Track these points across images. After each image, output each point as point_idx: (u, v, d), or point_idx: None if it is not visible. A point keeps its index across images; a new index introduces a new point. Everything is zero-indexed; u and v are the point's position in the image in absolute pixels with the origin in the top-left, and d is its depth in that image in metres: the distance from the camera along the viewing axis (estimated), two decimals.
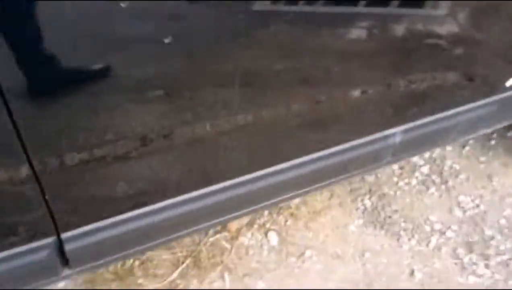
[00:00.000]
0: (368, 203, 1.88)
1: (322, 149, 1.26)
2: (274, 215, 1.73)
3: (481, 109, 1.45)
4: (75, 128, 0.91)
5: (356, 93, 1.26)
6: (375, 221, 1.80)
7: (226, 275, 1.54)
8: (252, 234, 1.68)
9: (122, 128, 0.96)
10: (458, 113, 1.41)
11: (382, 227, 1.78)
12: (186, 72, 0.96)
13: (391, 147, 1.34)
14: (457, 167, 2.07)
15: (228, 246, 1.62)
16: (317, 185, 1.37)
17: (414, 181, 1.99)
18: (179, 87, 0.97)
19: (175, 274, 1.51)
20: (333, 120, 1.27)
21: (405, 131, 1.34)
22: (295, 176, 1.25)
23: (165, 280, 1.49)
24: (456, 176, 2.02)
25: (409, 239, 1.76)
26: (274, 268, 1.59)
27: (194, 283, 1.51)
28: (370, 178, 1.97)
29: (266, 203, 1.32)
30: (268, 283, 1.54)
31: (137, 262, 1.53)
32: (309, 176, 1.28)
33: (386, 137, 1.32)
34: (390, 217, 1.83)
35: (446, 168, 2.06)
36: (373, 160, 1.38)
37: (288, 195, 1.34)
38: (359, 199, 1.88)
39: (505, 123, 1.67)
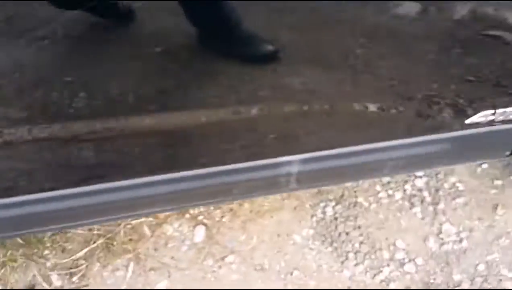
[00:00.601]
0: (330, 211, 1.77)
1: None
2: (211, 207, 1.70)
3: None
4: None
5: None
6: (327, 235, 1.72)
7: (131, 265, 1.59)
8: (180, 224, 1.68)
9: None
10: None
11: (331, 244, 1.70)
12: None
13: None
14: (461, 187, 1.86)
15: (148, 233, 1.65)
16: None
17: (399, 195, 1.83)
18: None
19: (81, 253, 1.59)
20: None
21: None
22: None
23: (70, 256, 1.58)
24: (453, 199, 1.83)
25: (356, 265, 1.68)
26: (185, 267, 1.60)
27: (96, 267, 1.58)
28: None
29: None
30: (172, 284, 1.58)
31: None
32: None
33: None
34: (347, 233, 1.73)
35: (446, 186, 1.86)
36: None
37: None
38: (322, 205, 1.79)
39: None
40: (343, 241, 1.72)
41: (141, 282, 1.57)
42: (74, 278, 1.55)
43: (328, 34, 1.03)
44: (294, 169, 1.18)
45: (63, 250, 1.60)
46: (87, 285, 1.53)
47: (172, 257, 1.62)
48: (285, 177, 1.19)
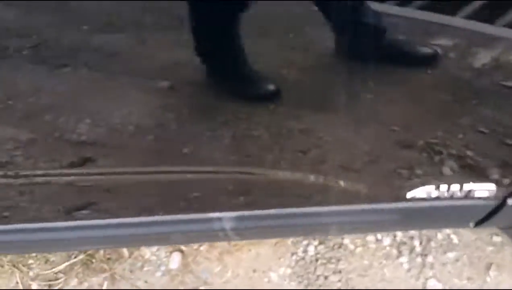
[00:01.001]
0: (311, 251, 1.79)
1: None
2: None
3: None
4: None
5: None
6: (305, 276, 1.74)
7: (106, 284, 1.69)
8: (158, 249, 1.76)
9: None
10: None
11: (307, 286, 1.72)
12: None
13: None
14: (455, 240, 1.81)
15: (127, 254, 1.74)
16: None
17: (388, 241, 1.81)
18: None
19: (61, 266, 1.71)
20: None
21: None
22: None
23: (52, 268, 1.70)
24: (445, 252, 1.79)
25: None
26: None
27: (74, 282, 1.70)
28: None
29: None
30: None
31: None
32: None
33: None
34: (326, 277, 1.75)
35: (440, 236, 1.82)
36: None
37: None
38: (304, 243, 1.80)
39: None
40: (320, 285, 1.74)
41: None
42: None
43: (339, 76, 1.03)
44: (227, 225, 1.21)
45: (46, 261, 1.73)
46: None
47: (145, 281, 1.71)
48: (221, 231, 1.23)
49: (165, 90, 0.98)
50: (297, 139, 1.09)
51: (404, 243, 1.81)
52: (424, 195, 1.19)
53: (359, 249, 1.81)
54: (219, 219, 1.21)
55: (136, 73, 0.96)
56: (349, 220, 1.27)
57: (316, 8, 0.91)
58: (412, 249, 1.80)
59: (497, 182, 1.18)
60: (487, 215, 1.30)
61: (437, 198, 1.20)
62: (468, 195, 1.20)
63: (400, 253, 1.80)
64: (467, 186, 1.18)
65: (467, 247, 1.80)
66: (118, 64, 0.95)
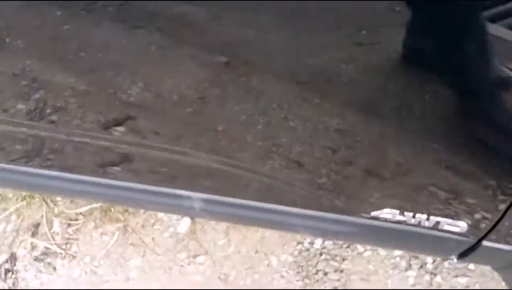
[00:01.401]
0: (318, 245, 1.78)
1: None
2: None
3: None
4: None
5: None
6: (305, 268, 1.76)
7: (117, 234, 1.82)
8: None
9: None
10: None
11: (304, 279, 1.74)
12: None
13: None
14: (472, 266, 1.72)
15: (143, 210, 1.84)
16: None
17: (399, 251, 1.76)
18: None
19: (83, 209, 1.86)
20: None
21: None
22: None
23: (74, 209, 1.86)
24: (456, 276, 1.71)
25: None
26: (159, 253, 1.79)
27: (91, 225, 1.85)
28: None
29: None
30: (143, 264, 1.78)
31: None
32: None
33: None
34: (326, 273, 1.75)
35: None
36: None
37: None
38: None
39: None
40: (317, 280, 1.74)
41: (119, 253, 1.81)
42: (70, 230, 1.85)
43: None
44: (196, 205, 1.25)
45: (72, 201, 1.89)
46: (77, 239, 1.83)
47: (153, 239, 1.82)
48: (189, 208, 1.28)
49: (221, 65, 1.01)
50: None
51: (416, 258, 1.76)
52: (391, 217, 1.18)
53: (367, 253, 1.79)
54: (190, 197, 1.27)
55: (200, 45, 0.99)
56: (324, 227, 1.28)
57: None
58: (422, 265, 1.75)
59: (468, 222, 1.13)
60: (465, 252, 1.24)
61: (404, 223, 1.18)
62: (436, 227, 1.16)
63: (409, 266, 1.75)
64: (436, 219, 1.14)
65: (482, 276, 1.71)
66: (187, 34, 0.98)
